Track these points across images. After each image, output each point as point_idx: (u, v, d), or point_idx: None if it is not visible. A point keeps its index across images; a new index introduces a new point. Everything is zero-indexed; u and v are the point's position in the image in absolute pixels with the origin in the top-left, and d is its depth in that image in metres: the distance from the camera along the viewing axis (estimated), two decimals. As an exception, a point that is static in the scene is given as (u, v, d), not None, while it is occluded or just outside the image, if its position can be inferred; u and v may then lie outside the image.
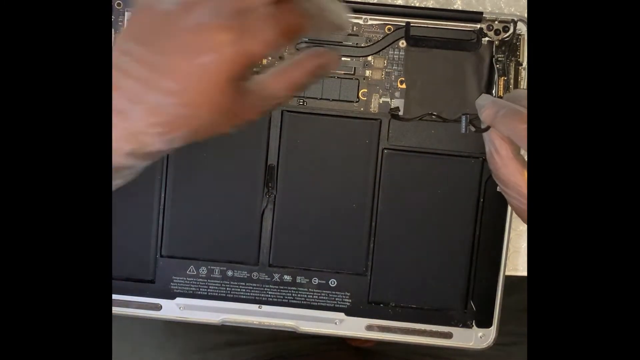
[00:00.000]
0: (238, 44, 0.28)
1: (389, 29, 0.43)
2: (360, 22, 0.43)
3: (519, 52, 0.43)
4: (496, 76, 0.43)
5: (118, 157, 0.30)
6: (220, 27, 0.28)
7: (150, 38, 0.29)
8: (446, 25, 0.43)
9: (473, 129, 0.41)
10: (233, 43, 0.28)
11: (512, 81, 0.43)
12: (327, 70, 0.33)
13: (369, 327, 0.46)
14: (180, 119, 0.29)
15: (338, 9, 0.31)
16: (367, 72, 0.44)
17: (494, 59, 0.43)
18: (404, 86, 0.44)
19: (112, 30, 0.43)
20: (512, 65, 0.43)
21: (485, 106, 0.39)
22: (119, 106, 0.29)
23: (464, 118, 0.41)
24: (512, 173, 0.39)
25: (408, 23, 0.42)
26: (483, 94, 0.42)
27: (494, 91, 0.43)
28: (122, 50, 0.29)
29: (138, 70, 0.29)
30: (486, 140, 0.40)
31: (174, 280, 0.45)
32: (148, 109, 0.29)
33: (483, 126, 0.39)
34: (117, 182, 0.32)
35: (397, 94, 0.44)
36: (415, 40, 0.43)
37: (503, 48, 0.43)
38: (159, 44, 0.29)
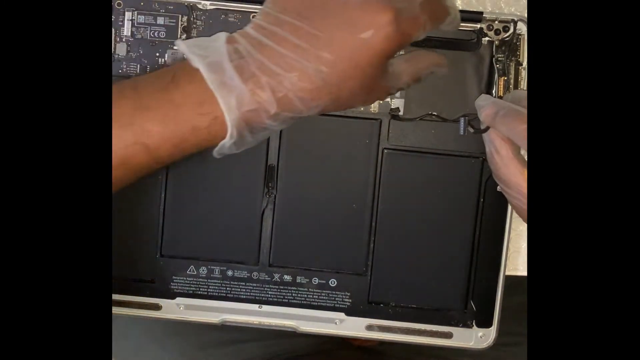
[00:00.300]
0: (397, 24, 0.32)
1: None
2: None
3: (519, 52, 0.43)
4: (496, 76, 0.43)
5: (263, 117, 0.33)
6: (383, 8, 0.31)
7: (308, 12, 0.32)
8: None
9: (472, 130, 0.41)
10: (392, 23, 0.31)
11: (512, 81, 0.43)
12: (441, 70, 0.38)
13: (369, 327, 0.46)
14: (329, 87, 0.32)
15: (456, 7, 0.36)
16: (367, 72, 0.44)
17: (494, 58, 0.43)
18: (404, 86, 0.44)
19: (112, 30, 0.43)
20: (512, 65, 0.43)
21: (485, 106, 0.39)
22: (271, 70, 0.32)
23: (462, 120, 0.41)
24: (512, 173, 0.39)
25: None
26: (483, 95, 0.42)
27: (494, 91, 0.43)
28: (274, 21, 0.33)
29: (296, 40, 0.32)
30: (486, 141, 0.40)
31: (174, 280, 0.45)
32: (301, 75, 0.32)
33: (482, 126, 0.39)
34: (249, 142, 0.34)
35: (397, 93, 0.44)
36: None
37: (503, 48, 0.43)
38: (318, 17, 0.32)
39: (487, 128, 0.39)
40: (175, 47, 0.34)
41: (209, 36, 0.34)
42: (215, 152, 0.34)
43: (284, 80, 0.32)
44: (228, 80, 0.32)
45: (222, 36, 0.33)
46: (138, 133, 0.33)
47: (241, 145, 0.34)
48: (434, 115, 0.43)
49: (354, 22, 0.32)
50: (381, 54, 0.32)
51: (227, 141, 0.33)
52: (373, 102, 0.36)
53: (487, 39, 0.43)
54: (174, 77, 0.33)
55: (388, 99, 0.44)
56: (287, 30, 0.32)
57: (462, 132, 0.41)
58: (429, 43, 0.43)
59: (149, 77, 0.34)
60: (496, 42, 0.43)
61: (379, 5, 0.31)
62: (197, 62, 0.32)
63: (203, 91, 0.32)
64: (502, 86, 0.43)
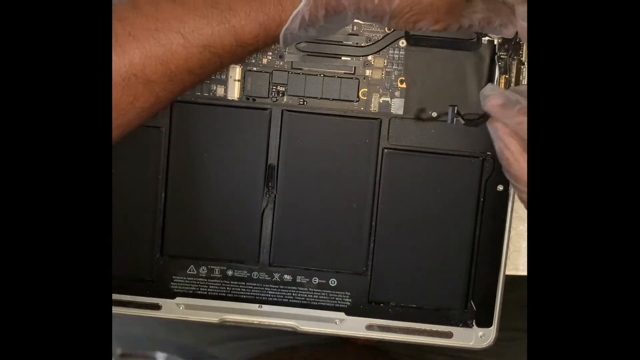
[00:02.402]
0: None
1: (389, 29, 0.43)
2: (361, 21, 0.43)
3: (521, 51, 0.43)
4: (497, 74, 0.43)
5: (319, 8, 0.34)
6: None
7: None
8: None
9: (462, 121, 0.41)
10: None
11: (513, 79, 0.43)
12: (508, 30, 0.39)
13: (369, 327, 0.46)
14: None
15: None
16: (367, 72, 0.44)
17: (496, 56, 0.43)
18: (404, 86, 0.44)
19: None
20: (515, 63, 0.43)
21: (492, 97, 0.38)
22: None
23: (450, 109, 0.41)
24: (523, 168, 0.38)
25: (408, 22, 0.42)
26: (489, 84, 0.42)
27: None
28: None
29: None
30: (494, 137, 0.40)
31: (174, 280, 0.45)
32: None
33: (488, 117, 0.39)
34: (320, 25, 0.35)
35: (397, 93, 0.44)
36: (416, 40, 0.43)
37: (506, 46, 0.43)
38: None
39: (480, 120, 0.39)
40: None
41: None
42: (284, 30, 0.35)
43: None
44: None
45: None
46: (224, 12, 0.34)
47: (312, 23, 0.35)
48: (430, 115, 0.43)
49: None
50: None
51: (301, 7, 0.34)
52: (446, 25, 0.36)
53: (486, 38, 0.43)
54: None
55: (388, 99, 0.44)
56: None
57: (449, 121, 0.41)
58: (429, 43, 0.43)
59: None
60: (499, 40, 0.43)
61: None
62: None
63: None
64: (503, 84, 0.43)
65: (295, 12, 0.34)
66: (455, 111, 0.41)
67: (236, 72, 0.43)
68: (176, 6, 0.35)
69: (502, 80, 0.43)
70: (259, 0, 0.34)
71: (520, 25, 0.38)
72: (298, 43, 0.42)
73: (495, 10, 0.38)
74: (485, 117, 0.39)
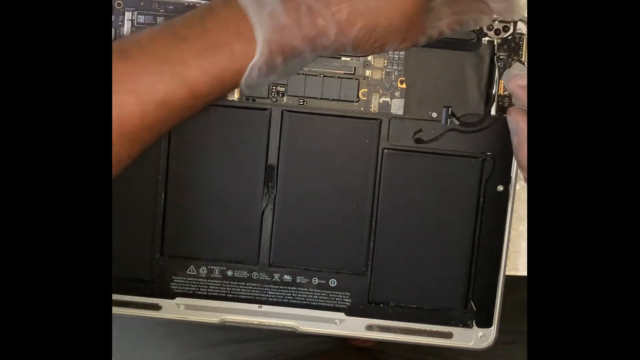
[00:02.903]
0: None
1: None
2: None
3: (521, 51, 0.43)
4: (497, 74, 0.43)
5: (297, 38, 0.33)
6: None
7: None
8: None
9: (457, 122, 0.41)
10: None
11: None
12: (484, 19, 0.38)
13: (369, 327, 0.46)
14: (367, 11, 0.33)
15: None
16: (367, 72, 0.44)
17: (495, 56, 0.43)
18: (404, 86, 0.44)
19: (112, 30, 0.43)
20: (514, 64, 0.43)
21: (519, 77, 0.38)
22: None
23: (444, 110, 0.41)
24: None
25: (408, 23, 0.42)
26: (518, 64, 0.41)
27: (494, 90, 0.43)
28: None
29: None
30: (515, 130, 0.39)
31: (174, 280, 0.45)
32: None
33: (517, 102, 0.38)
34: (280, 69, 0.34)
35: (397, 93, 0.44)
36: None
37: (505, 47, 0.43)
38: None
39: (477, 123, 0.39)
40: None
41: None
42: (244, 81, 0.34)
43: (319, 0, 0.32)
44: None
45: None
46: (176, 67, 0.33)
47: (271, 71, 0.34)
48: (457, 119, 0.43)
49: None
50: None
51: (256, 60, 0.33)
52: (409, 44, 0.36)
53: (487, 38, 0.43)
54: (209, 6, 0.34)
55: (388, 99, 0.44)
56: None
57: (443, 122, 0.41)
58: (429, 43, 0.43)
59: (186, 13, 0.35)
60: (498, 41, 0.43)
61: None
62: None
63: (240, 12, 0.33)
64: (502, 85, 0.43)
65: (251, 64, 0.33)
66: (450, 112, 0.41)
67: (236, 72, 0.43)
68: (127, 65, 0.33)
69: (502, 81, 0.43)
70: (210, 51, 0.33)
71: (495, 8, 0.37)
72: None
73: (462, 10, 0.37)
74: (482, 121, 0.39)
